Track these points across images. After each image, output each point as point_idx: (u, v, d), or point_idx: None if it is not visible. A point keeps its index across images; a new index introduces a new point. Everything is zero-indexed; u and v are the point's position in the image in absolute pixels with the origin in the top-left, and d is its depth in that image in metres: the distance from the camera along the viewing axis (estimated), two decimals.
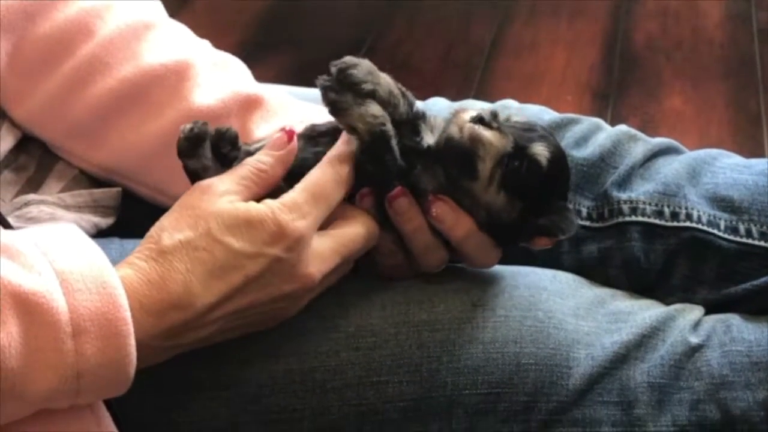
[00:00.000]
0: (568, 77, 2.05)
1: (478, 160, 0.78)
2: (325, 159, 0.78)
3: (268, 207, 0.74)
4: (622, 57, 2.12)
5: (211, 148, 0.80)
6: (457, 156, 0.78)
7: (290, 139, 0.79)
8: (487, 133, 0.78)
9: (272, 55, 2.09)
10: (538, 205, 0.80)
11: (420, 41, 2.18)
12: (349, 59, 0.78)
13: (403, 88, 0.81)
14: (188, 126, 0.78)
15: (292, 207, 0.74)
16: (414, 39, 2.19)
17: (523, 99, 1.99)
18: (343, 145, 0.79)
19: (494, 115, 0.79)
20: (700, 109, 1.94)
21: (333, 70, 0.78)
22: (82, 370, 0.66)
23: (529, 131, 0.80)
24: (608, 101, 1.96)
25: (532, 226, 0.80)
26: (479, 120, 0.78)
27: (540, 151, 0.79)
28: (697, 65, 2.08)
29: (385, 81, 0.79)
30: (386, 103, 0.78)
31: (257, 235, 0.73)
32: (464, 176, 0.79)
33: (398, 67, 2.09)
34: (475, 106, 0.93)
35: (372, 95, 0.77)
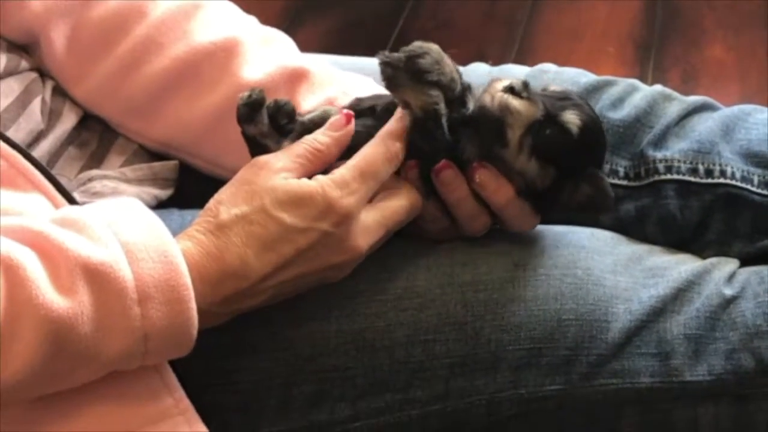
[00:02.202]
0: (610, 29, 2.04)
1: (507, 127, 0.81)
2: (378, 136, 0.81)
3: (319, 184, 0.77)
4: (665, 6, 2.10)
5: (269, 118, 0.83)
6: (488, 124, 0.81)
7: (348, 121, 0.82)
8: (515, 102, 0.81)
9: (317, 16, 2.10)
10: (571, 173, 0.82)
11: None
12: (418, 46, 0.81)
13: (457, 67, 0.83)
14: (246, 93, 0.82)
15: (341, 184, 0.78)
16: None
17: (566, 52, 2.00)
18: (396, 121, 0.82)
19: (525, 84, 0.81)
20: (742, 58, 1.92)
21: (401, 56, 0.80)
22: (148, 332, 0.71)
23: (562, 100, 0.82)
24: (650, 52, 1.95)
25: (568, 200, 0.83)
26: (510, 89, 0.81)
27: (571, 118, 0.81)
28: (738, 12, 2.05)
29: (449, 69, 0.81)
30: (446, 89, 0.81)
31: (308, 210, 0.77)
32: (496, 143, 0.82)
33: (441, 24, 2.09)
34: (513, 72, 0.95)
35: (436, 84, 0.80)
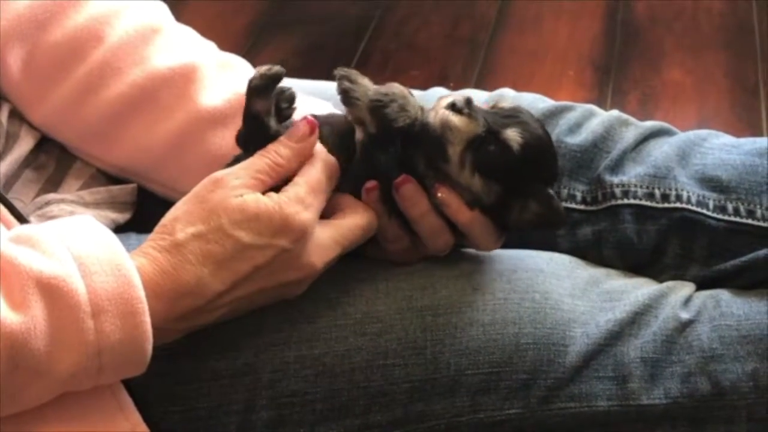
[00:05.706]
0: (571, 51, 2.05)
1: (448, 144, 0.82)
2: (318, 155, 0.82)
3: (275, 201, 0.78)
4: (624, 28, 2.12)
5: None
6: (430, 140, 0.82)
7: (312, 131, 0.82)
8: (455, 119, 0.81)
9: (282, 34, 2.10)
10: (517, 190, 0.83)
11: (426, 18, 2.19)
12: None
13: (412, 92, 0.84)
14: (266, 66, 0.82)
15: (297, 200, 0.78)
16: (420, 16, 2.20)
17: (527, 74, 2.02)
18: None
19: (468, 101, 0.82)
20: (700, 80, 1.94)
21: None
22: (102, 347, 0.70)
23: (508, 117, 0.83)
24: (609, 75, 1.97)
25: (518, 219, 0.84)
26: (452, 106, 0.82)
27: (512, 136, 0.82)
28: (696, 35, 2.08)
29: (413, 109, 0.82)
30: (409, 126, 0.82)
31: (265, 228, 0.77)
32: (438, 159, 0.82)
33: (404, 45, 2.10)
34: (473, 95, 0.95)
35: (403, 130, 0.81)
